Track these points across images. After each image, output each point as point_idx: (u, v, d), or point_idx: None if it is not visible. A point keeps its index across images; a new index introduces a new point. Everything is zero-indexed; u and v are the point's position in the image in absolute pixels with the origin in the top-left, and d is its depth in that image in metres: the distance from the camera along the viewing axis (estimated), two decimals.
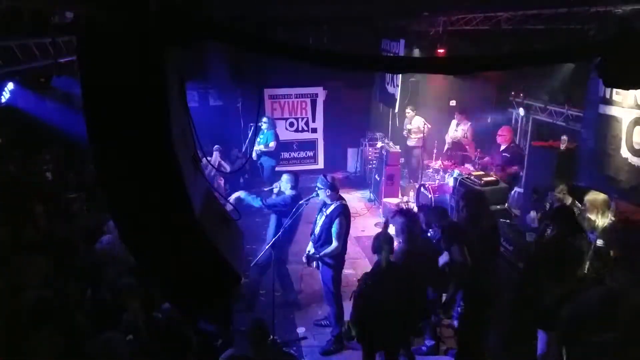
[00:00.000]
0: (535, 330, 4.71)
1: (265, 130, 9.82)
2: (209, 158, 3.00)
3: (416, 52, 8.99)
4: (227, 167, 9.75)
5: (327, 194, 5.69)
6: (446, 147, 9.66)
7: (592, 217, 5.05)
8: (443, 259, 5.11)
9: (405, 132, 10.29)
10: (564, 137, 6.66)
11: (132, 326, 4.06)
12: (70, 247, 5.52)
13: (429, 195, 8.18)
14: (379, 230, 5.34)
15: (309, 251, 5.81)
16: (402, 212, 5.31)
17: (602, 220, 4.99)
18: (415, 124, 10.01)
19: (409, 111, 10.14)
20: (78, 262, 5.11)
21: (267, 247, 5.89)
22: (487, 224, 5.17)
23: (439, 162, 8.97)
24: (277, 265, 6.09)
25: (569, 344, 3.67)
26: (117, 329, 3.97)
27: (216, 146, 9.50)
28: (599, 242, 4.96)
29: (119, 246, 5.41)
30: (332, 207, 5.66)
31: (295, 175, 6.43)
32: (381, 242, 4.63)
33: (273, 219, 6.40)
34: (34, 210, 5.81)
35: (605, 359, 3.25)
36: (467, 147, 9.22)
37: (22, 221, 5.70)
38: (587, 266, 4.98)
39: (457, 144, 9.55)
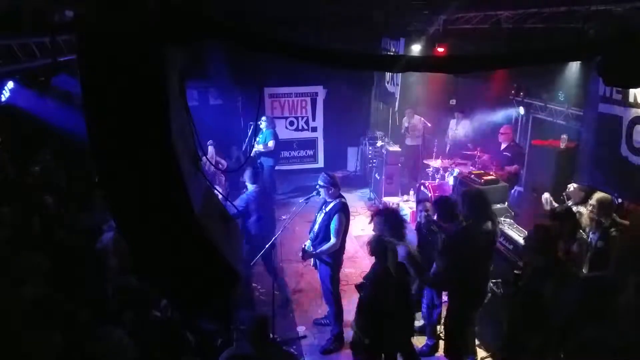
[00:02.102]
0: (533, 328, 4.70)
1: (264, 130, 9.81)
2: (207, 156, 3.00)
3: (416, 51, 8.99)
4: (224, 163, 9.72)
5: (329, 191, 5.68)
6: (448, 147, 9.67)
7: (593, 217, 5.02)
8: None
9: (403, 130, 10.28)
10: (564, 136, 6.65)
11: (132, 325, 4.06)
12: (70, 246, 5.53)
13: (429, 194, 8.17)
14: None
15: (304, 246, 5.80)
16: (381, 211, 5.25)
17: (606, 221, 4.96)
18: (414, 121, 10.02)
19: (408, 110, 10.14)
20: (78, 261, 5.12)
21: (267, 247, 5.89)
22: (487, 223, 5.15)
23: (439, 161, 8.96)
24: (265, 261, 6.28)
25: (565, 339, 3.69)
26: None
27: (210, 141, 9.47)
28: (600, 244, 4.93)
29: (119, 245, 5.42)
30: (332, 204, 5.66)
31: (255, 169, 6.45)
32: (381, 244, 4.60)
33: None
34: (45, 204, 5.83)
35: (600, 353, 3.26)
36: (468, 145, 9.22)
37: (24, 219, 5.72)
38: (587, 267, 4.97)
39: (458, 143, 9.56)
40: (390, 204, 5.43)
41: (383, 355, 4.85)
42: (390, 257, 4.52)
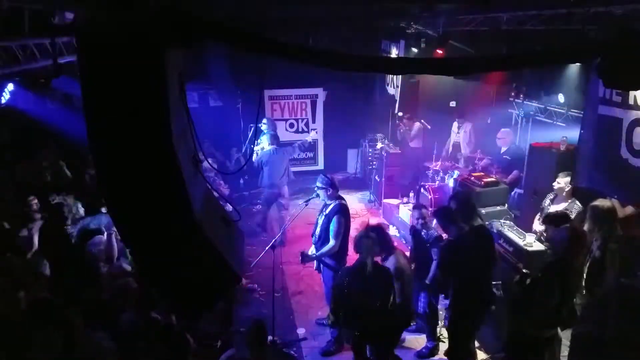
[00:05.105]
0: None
1: (265, 132, 9.79)
2: (209, 160, 2.98)
3: (416, 53, 8.99)
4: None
5: (328, 193, 5.70)
6: (450, 150, 9.67)
7: (591, 226, 4.98)
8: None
9: (400, 138, 10.27)
10: (564, 138, 6.66)
11: (131, 327, 4.05)
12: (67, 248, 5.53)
13: (429, 196, 8.17)
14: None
15: (304, 250, 5.81)
16: (373, 229, 5.16)
17: (600, 232, 4.90)
18: (415, 129, 10.00)
19: (405, 121, 10.10)
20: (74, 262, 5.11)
21: (267, 248, 5.88)
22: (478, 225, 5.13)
23: (439, 163, 8.96)
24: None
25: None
26: (115, 329, 3.96)
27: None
28: (597, 253, 4.89)
29: (112, 246, 5.39)
30: (331, 206, 5.67)
31: (274, 134, 8.69)
32: (363, 242, 4.70)
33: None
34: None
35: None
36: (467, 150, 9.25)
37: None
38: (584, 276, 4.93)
39: (457, 147, 9.56)
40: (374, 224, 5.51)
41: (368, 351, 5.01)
42: (366, 253, 4.66)
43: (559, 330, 4.36)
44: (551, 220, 4.96)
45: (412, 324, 5.60)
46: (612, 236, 4.83)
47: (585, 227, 5.05)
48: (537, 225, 6.05)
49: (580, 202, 5.71)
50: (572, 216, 5.53)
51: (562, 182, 5.85)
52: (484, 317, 5.06)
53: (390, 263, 4.97)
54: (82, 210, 6.11)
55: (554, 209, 5.90)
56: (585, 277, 4.86)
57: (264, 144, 8.65)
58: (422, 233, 5.58)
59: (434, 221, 5.60)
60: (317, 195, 5.84)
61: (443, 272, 5.16)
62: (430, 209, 6.61)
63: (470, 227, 4.92)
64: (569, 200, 5.80)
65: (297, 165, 12.00)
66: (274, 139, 8.62)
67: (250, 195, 10.25)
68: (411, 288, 5.18)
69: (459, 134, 9.59)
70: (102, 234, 5.62)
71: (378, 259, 4.99)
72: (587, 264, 4.91)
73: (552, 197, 6.06)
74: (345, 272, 4.89)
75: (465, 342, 5.12)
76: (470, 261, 4.77)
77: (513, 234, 5.99)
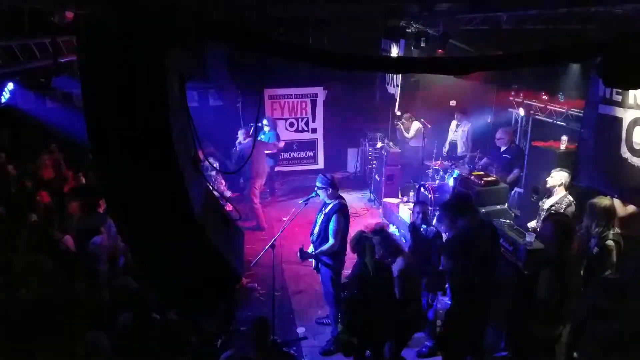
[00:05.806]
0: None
1: (267, 131, 9.82)
2: (210, 159, 3.00)
3: (416, 52, 8.98)
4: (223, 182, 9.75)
5: (327, 192, 5.70)
6: (447, 148, 9.66)
7: (589, 222, 4.99)
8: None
9: (400, 137, 10.26)
10: (564, 137, 6.66)
11: (130, 327, 4.05)
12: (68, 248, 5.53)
13: (429, 195, 8.17)
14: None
15: (302, 247, 5.81)
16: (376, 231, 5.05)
17: (598, 228, 4.91)
18: (414, 129, 9.99)
19: (404, 120, 10.09)
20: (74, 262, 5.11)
21: (266, 247, 5.89)
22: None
23: (439, 162, 8.96)
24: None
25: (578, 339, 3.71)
26: (115, 329, 3.97)
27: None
28: (595, 250, 4.90)
29: (111, 246, 5.40)
30: (330, 205, 5.68)
31: (248, 129, 9.28)
32: (360, 241, 4.70)
33: None
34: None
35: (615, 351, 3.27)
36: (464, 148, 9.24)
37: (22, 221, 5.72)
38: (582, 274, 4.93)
39: (454, 146, 9.56)
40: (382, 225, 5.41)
41: (371, 353, 4.93)
42: (368, 254, 4.63)
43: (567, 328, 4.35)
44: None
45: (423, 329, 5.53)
46: (609, 233, 4.85)
47: (583, 224, 5.08)
48: (532, 223, 6.09)
49: (573, 197, 5.72)
50: (562, 209, 5.57)
51: (555, 175, 5.86)
52: (487, 314, 5.05)
53: (396, 266, 4.84)
54: None
55: (547, 203, 5.95)
56: (583, 274, 4.88)
57: (240, 139, 9.26)
58: (422, 229, 5.58)
59: (435, 220, 5.61)
60: (317, 195, 5.84)
61: (448, 260, 5.04)
62: (431, 208, 6.61)
63: (476, 219, 4.92)
64: (561, 194, 5.81)
65: (297, 165, 12.01)
66: (247, 133, 9.33)
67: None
68: (419, 290, 5.13)
69: (457, 132, 9.58)
70: (101, 233, 5.64)
71: None
72: (585, 262, 4.93)
73: (547, 194, 6.09)
74: (350, 281, 4.82)
75: (468, 340, 5.12)
76: (476, 253, 4.73)
77: (513, 233, 5.98)
